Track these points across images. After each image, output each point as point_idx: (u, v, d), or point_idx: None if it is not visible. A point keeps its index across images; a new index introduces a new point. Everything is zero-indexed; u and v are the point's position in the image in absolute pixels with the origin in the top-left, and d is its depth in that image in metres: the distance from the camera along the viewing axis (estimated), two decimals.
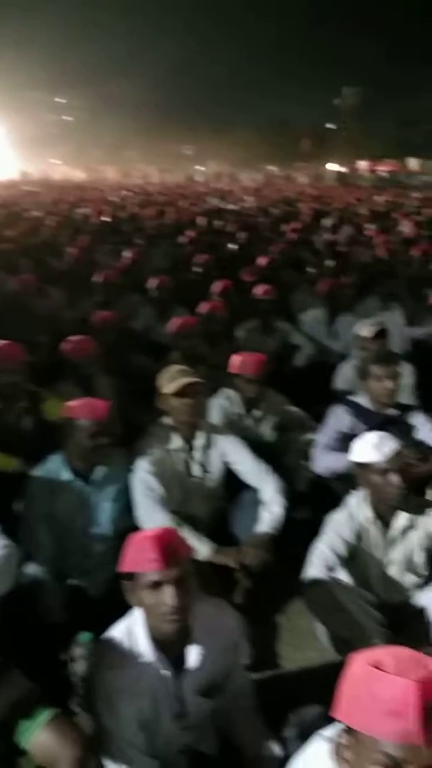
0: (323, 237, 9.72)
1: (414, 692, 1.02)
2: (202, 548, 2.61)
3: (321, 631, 2.44)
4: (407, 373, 3.84)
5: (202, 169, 52.40)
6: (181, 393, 2.81)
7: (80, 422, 2.60)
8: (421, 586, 2.50)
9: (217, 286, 5.52)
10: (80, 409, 2.63)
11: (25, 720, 1.60)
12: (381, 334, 4.04)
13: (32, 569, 2.51)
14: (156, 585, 1.66)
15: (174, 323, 4.26)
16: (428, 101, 56.86)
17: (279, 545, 2.70)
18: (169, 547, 1.68)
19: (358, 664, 1.12)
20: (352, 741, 1.11)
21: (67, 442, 2.65)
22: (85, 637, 2.25)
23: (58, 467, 2.66)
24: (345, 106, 67.18)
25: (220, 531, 2.92)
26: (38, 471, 2.67)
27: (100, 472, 2.69)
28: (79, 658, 2.23)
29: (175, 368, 2.97)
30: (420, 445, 3.12)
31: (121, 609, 1.83)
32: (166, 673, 1.77)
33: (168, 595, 1.65)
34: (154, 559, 1.65)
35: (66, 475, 2.64)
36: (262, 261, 6.92)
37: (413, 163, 44.98)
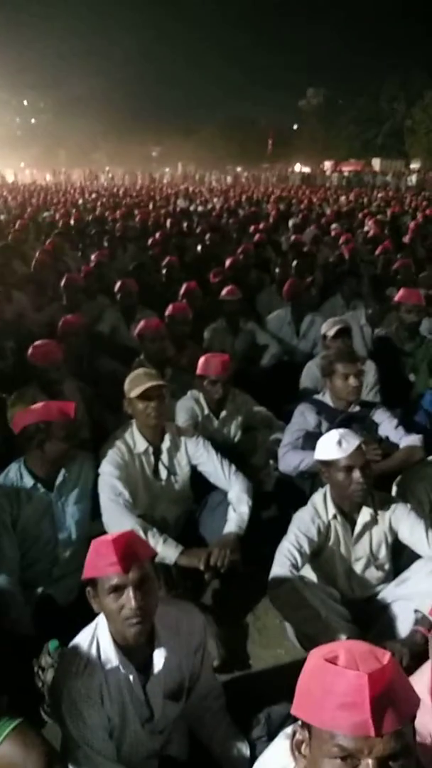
0: (288, 237, 9.81)
1: (365, 684, 1.03)
2: (169, 551, 2.61)
3: (289, 629, 2.47)
4: (370, 370, 3.90)
5: (169, 170, 52.34)
6: (144, 396, 2.81)
7: (54, 424, 2.56)
8: (385, 581, 2.54)
9: (182, 288, 5.53)
10: (50, 411, 2.59)
11: None
12: (344, 333, 4.09)
13: None
14: (117, 589, 1.66)
15: (140, 326, 4.25)
16: (390, 102, 57.62)
17: (247, 545, 2.71)
18: (127, 550, 1.67)
19: (314, 659, 1.13)
20: (308, 736, 1.12)
21: (31, 448, 2.61)
22: (53, 645, 2.25)
23: (19, 475, 2.62)
24: (309, 107, 67.72)
25: (188, 533, 2.93)
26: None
27: (61, 476, 2.67)
28: (47, 667, 2.23)
29: (140, 372, 2.97)
30: (383, 442, 3.18)
31: (90, 616, 1.82)
32: (133, 678, 1.76)
33: (129, 599, 1.65)
34: (112, 563, 1.64)
35: (28, 482, 2.61)
36: (228, 262, 6.95)
37: (380, 164, 45.62)
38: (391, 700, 1.04)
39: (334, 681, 1.06)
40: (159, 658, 1.77)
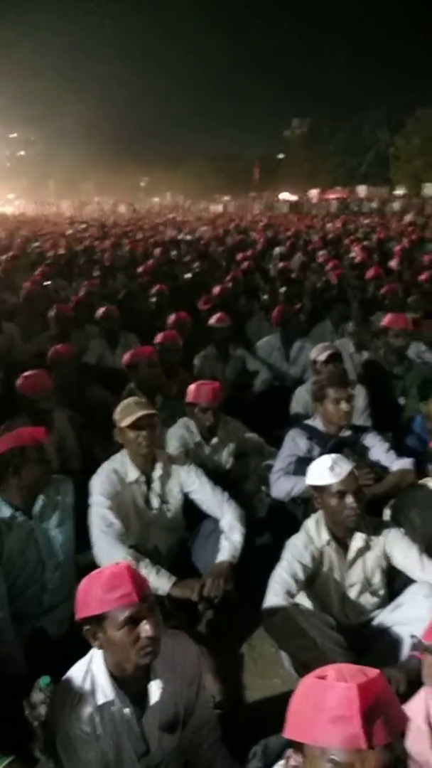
0: (276, 264, 9.93)
1: (355, 695, 1.04)
2: (162, 582, 2.59)
3: (285, 658, 2.44)
4: (360, 395, 3.93)
5: (158, 200, 53.07)
6: (136, 425, 2.81)
7: (28, 449, 2.55)
8: (380, 607, 2.52)
9: (172, 316, 5.57)
10: (22, 436, 2.58)
11: None
12: (335, 358, 4.13)
13: None
14: (132, 620, 1.64)
15: (132, 353, 4.26)
16: (374, 131, 58.96)
17: (240, 573, 2.69)
18: (137, 579, 1.67)
19: (305, 681, 1.14)
20: (302, 757, 1.11)
21: (7, 476, 2.57)
22: (44, 681, 2.20)
23: None
24: (294, 137, 69.07)
25: (181, 561, 2.91)
26: None
27: (40, 501, 2.65)
28: (39, 703, 2.19)
29: (131, 400, 2.97)
30: (374, 466, 3.18)
31: (81, 648, 1.80)
32: (128, 711, 1.74)
33: (146, 629, 1.63)
34: (126, 594, 1.62)
35: (6, 512, 2.58)
36: (217, 289, 7.02)
37: (366, 191, 46.48)
38: (381, 712, 1.04)
39: (323, 695, 1.07)
40: (155, 689, 1.75)
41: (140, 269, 9.26)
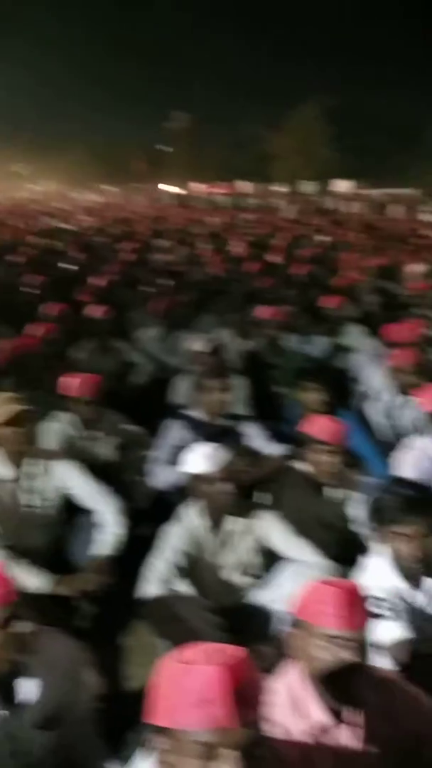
0: (159, 256, 9.92)
1: (218, 677, 1.07)
2: (40, 582, 2.53)
3: (163, 645, 2.47)
4: (240, 385, 4.04)
5: (37, 188, 51.15)
6: (11, 422, 2.71)
7: None
8: (255, 587, 2.62)
9: (52, 308, 5.42)
10: None
11: None
12: (215, 349, 4.21)
13: None
14: (6, 621, 1.60)
15: (12, 345, 4.10)
16: (254, 128, 60.32)
17: (121, 564, 2.69)
18: (4, 580, 1.64)
19: (166, 665, 1.15)
20: (170, 742, 1.12)
21: None
22: None
23: None
24: (176, 129, 69.03)
25: (60, 557, 2.86)
26: None
27: None
28: None
29: (3, 396, 2.87)
30: (251, 453, 3.29)
31: None
32: (1, 713, 1.69)
33: (19, 626, 1.62)
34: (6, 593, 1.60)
35: None
36: (98, 281, 6.91)
37: (246, 187, 47.45)
38: (244, 691, 1.08)
39: (188, 679, 1.09)
40: (30, 688, 1.72)
41: (17, 259, 8.90)
